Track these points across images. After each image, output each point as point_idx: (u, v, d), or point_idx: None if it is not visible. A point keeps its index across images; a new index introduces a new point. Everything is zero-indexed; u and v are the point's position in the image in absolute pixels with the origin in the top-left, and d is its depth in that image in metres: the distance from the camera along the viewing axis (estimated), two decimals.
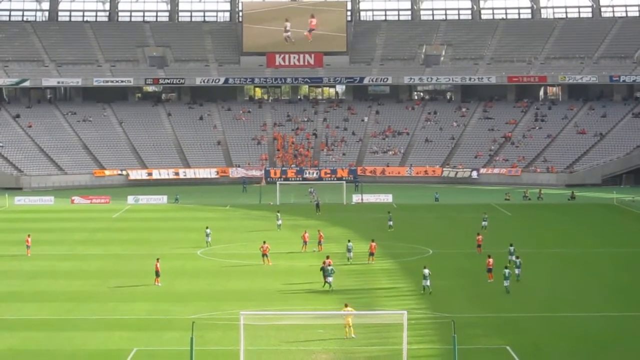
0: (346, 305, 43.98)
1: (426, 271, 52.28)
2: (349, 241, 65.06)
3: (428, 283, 51.99)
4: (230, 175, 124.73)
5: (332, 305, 48.21)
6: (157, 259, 56.63)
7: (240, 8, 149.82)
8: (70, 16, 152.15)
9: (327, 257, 56.26)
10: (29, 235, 68.17)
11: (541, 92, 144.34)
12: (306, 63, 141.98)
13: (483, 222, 77.63)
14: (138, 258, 64.69)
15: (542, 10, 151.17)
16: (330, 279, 53.37)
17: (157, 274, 55.37)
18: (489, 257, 56.36)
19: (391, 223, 78.81)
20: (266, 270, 59.84)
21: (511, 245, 61.56)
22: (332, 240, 69.91)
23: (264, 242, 62.91)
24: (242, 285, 55.41)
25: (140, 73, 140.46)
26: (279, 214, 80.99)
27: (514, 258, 58.67)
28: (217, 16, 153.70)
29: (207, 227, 72.30)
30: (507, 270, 52.56)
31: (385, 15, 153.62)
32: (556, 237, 75.72)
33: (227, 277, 58.19)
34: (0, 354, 40.86)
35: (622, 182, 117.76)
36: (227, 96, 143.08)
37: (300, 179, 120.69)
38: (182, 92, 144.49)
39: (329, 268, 53.72)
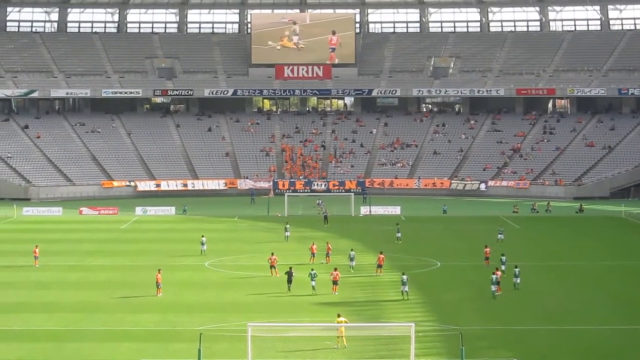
0: (339, 316, 44.02)
1: (404, 277, 54.52)
2: (351, 250, 65.29)
3: (406, 289, 54.22)
4: (239, 187, 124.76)
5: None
6: (159, 270, 56.78)
7: (249, 20, 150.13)
8: (79, 27, 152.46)
9: (335, 269, 56.63)
10: (36, 246, 68.26)
11: (550, 105, 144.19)
12: (315, 75, 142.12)
13: (499, 235, 77.87)
14: (146, 269, 64.56)
15: (551, 23, 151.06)
16: (313, 282, 55.14)
17: (158, 285, 55.43)
18: (497, 269, 56.46)
19: (399, 235, 78.86)
20: (274, 282, 59.81)
21: (503, 255, 62.75)
22: (340, 252, 69.79)
23: (272, 254, 62.95)
24: (249, 296, 55.40)
25: (149, 84, 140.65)
26: (288, 226, 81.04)
27: (504, 268, 60.28)
28: (225, 28, 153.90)
29: (202, 236, 72.62)
30: (494, 276, 54.55)
31: (394, 27, 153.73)
32: (564, 249, 75.61)
33: (235, 289, 58.16)
34: None
35: (631, 195, 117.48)
36: (235, 108, 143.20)
37: (309, 190, 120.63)
38: (190, 104, 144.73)
39: (312, 272, 55.69)
